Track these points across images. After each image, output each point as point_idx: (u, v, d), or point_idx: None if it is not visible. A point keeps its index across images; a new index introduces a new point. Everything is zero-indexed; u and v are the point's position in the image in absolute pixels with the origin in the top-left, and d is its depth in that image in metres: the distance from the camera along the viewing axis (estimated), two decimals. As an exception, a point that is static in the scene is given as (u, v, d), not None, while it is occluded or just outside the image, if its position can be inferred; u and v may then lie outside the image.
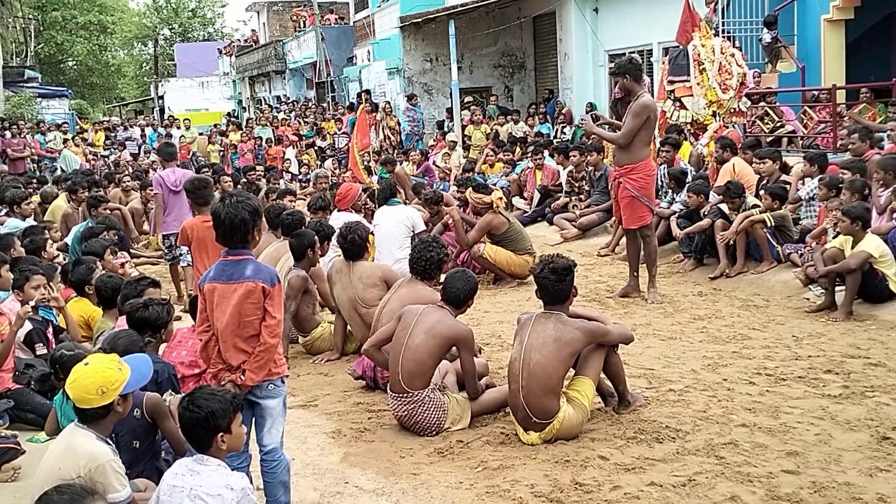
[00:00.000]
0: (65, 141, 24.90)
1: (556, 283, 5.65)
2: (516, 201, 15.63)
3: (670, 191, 11.96)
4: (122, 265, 9.39)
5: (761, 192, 10.61)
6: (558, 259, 5.77)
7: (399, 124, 23.22)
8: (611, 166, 10.90)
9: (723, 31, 15.43)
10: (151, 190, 11.63)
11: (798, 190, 10.46)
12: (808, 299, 8.91)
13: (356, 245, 7.73)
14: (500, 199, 10.75)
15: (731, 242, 10.11)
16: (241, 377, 4.44)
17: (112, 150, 28.34)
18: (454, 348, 6.07)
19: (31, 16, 48.46)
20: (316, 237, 8.01)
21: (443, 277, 6.60)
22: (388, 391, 6.12)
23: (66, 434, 4.07)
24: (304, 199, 14.36)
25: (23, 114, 27.29)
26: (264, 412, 4.52)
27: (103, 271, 8.35)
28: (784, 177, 11.03)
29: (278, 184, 16.82)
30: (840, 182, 9.30)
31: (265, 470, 4.54)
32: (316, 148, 25.01)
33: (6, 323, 6.60)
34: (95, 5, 57.07)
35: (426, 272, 6.93)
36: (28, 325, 6.83)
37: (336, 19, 34.40)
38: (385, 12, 26.41)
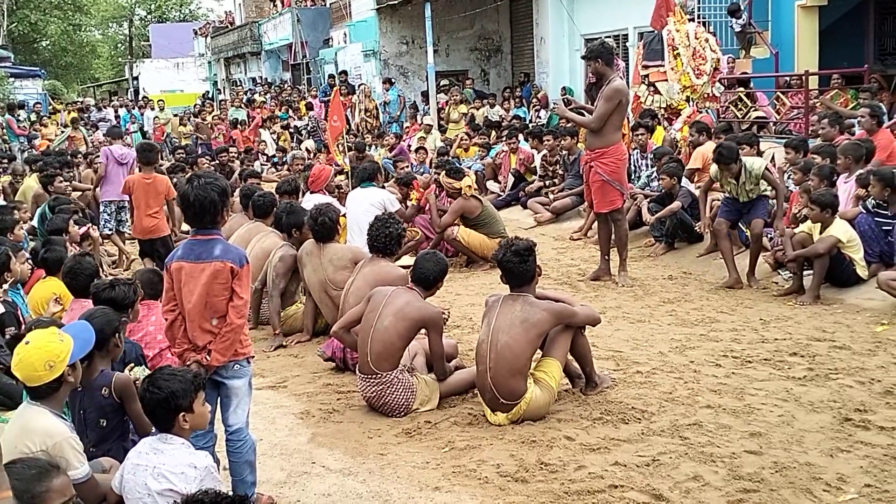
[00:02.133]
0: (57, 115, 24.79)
1: (519, 265, 5.69)
2: (490, 185, 15.66)
3: (653, 171, 11.87)
4: (83, 237, 9.37)
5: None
6: (518, 241, 5.82)
7: (377, 107, 23.18)
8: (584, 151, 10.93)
9: (697, 17, 15.48)
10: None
11: (787, 181, 10.41)
12: (776, 283, 8.99)
13: (326, 227, 7.73)
14: (470, 186, 10.74)
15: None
16: (207, 357, 4.44)
17: (105, 133, 28.07)
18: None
19: (4, -6, 47.85)
20: (304, 220, 8.09)
21: (412, 260, 6.63)
22: (357, 372, 6.14)
23: (20, 413, 4.05)
24: (275, 182, 14.30)
25: (-6, 93, 26.98)
26: (230, 392, 4.53)
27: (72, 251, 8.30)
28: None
29: (252, 166, 16.77)
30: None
31: (231, 450, 4.55)
32: (291, 128, 24.87)
33: None
34: (69, -16, 56.52)
35: (386, 248, 7.02)
36: (0, 308, 6.77)
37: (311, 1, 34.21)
38: (361, -6, 26.31)
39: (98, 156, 17.54)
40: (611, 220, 9.35)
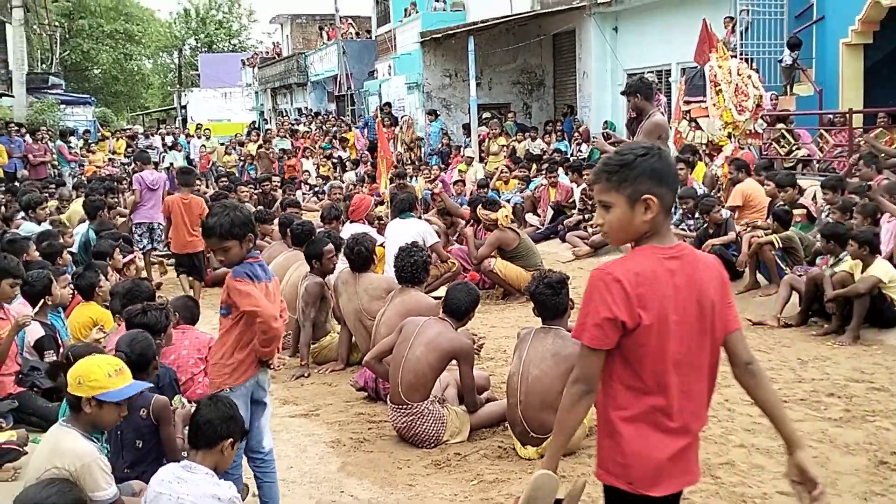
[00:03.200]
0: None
1: (552, 297, 5.68)
2: (529, 218, 15.65)
3: (680, 211, 11.78)
4: (127, 265, 9.54)
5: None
6: (552, 273, 5.82)
7: (420, 139, 23.35)
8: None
9: (740, 53, 15.45)
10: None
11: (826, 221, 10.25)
12: (815, 322, 8.87)
13: (362, 257, 7.78)
14: (507, 216, 10.75)
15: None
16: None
17: (132, 157, 28.55)
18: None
19: (57, 23, 48.92)
20: (326, 248, 8.10)
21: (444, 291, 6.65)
22: (388, 402, 6.15)
23: (52, 433, 4.10)
24: (315, 211, 14.48)
25: (45, 120, 27.51)
26: (262, 410, 4.63)
27: (120, 280, 8.42)
28: (801, 199, 10.97)
29: (294, 195, 16.93)
30: (853, 205, 9.27)
31: (265, 471, 4.63)
32: (335, 159, 25.08)
33: (8, 328, 6.64)
34: (122, 14, 57.82)
35: (414, 277, 7.09)
36: (40, 331, 6.88)
37: (355, 33, 34.58)
38: (406, 27, 26.56)
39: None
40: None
